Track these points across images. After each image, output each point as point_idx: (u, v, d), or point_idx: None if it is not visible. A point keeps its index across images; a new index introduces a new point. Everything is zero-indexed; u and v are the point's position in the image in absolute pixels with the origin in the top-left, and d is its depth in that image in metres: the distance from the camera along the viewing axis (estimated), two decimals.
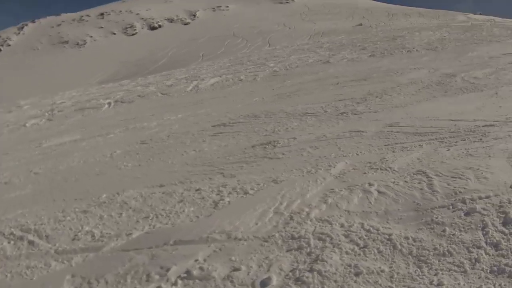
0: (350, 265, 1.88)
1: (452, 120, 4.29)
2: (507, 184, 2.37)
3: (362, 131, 4.46)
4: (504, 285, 1.61)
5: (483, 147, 3.19)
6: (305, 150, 3.94)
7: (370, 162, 3.34)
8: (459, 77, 7.70)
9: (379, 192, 2.62)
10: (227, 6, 55.79)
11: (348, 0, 69.97)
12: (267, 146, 4.23)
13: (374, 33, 29.45)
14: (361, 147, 3.91)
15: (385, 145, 3.82)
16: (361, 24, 38.75)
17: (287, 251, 2.05)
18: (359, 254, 1.97)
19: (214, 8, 54.94)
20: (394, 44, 21.39)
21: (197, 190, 3.14)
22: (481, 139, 3.50)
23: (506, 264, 1.71)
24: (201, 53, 30.48)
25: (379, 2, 70.11)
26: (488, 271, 1.72)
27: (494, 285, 1.62)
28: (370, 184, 2.77)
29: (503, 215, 2.03)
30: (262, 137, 4.75)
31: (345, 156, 3.66)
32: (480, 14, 47.60)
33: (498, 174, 2.52)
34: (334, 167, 3.31)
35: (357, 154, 3.66)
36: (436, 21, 38.48)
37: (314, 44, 25.50)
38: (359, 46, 22.01)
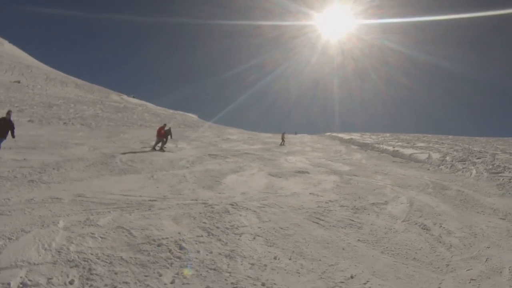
0: None
1: (124, 195, 6.20)
2: (176, 231, 4.52)
3: (61, 198, 5.59)
4: None
5: (154, 214, 5.05)
6: (25, 211, 4.60)
7: (80, 221, 4.67)
8: (118, 158, 10.24)
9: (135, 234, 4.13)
10: None
11: (14, 52, 60.82)
12: None
13: (31, 95, 28.26)
14: (67, 209, 5.09)
15: (84, 210, 5.22)
16: (19, 82, 35.89)
17: None
18: None
19: None
20: (50, 112, 22.09)
21: None
22: (150, 209, 5.27)
23: None
24: None
25: (41, 63, 66.30)
26: None
27: None
28: (97, 225, 4.23)
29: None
30: None
31: (59, 216, 4.75)
32: (134, 97, 56.20)
33: (168, 227, 4.48)
34: (58, 223, 4.39)
35: (68, 215, 4.83)
36: (91, 96, 42.66)
37: None
38: (17, 107, 20.52)
